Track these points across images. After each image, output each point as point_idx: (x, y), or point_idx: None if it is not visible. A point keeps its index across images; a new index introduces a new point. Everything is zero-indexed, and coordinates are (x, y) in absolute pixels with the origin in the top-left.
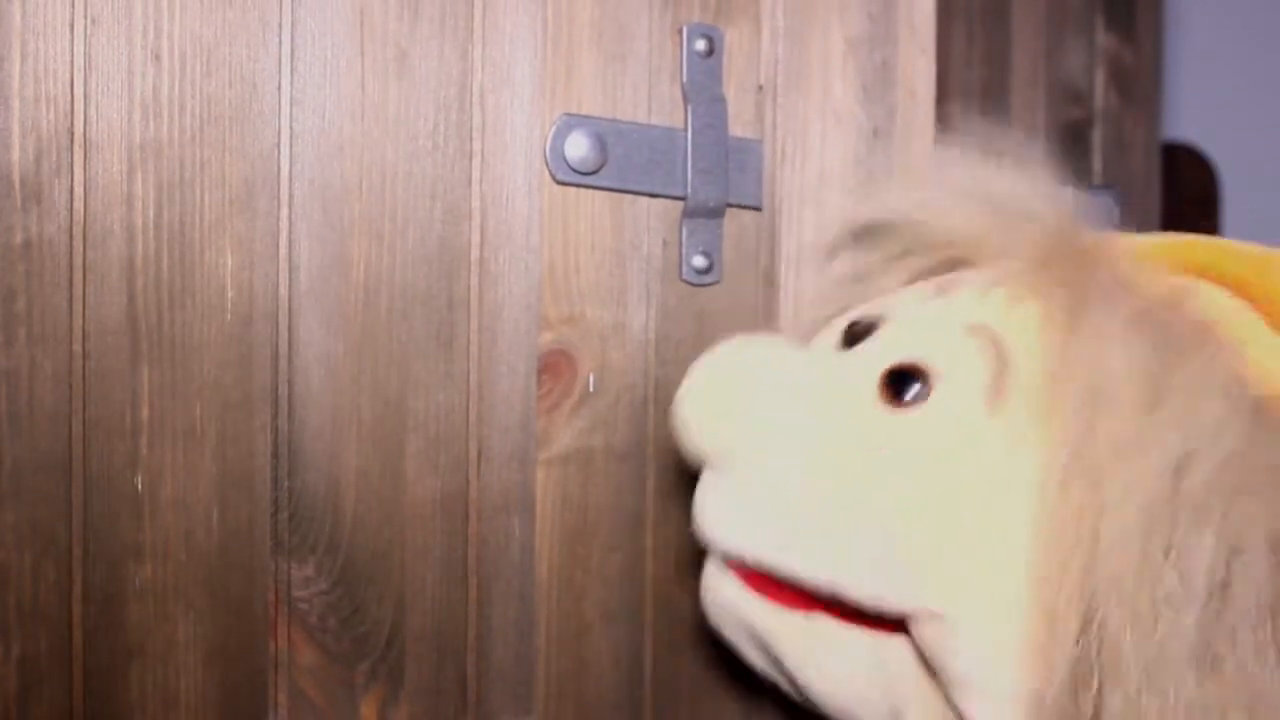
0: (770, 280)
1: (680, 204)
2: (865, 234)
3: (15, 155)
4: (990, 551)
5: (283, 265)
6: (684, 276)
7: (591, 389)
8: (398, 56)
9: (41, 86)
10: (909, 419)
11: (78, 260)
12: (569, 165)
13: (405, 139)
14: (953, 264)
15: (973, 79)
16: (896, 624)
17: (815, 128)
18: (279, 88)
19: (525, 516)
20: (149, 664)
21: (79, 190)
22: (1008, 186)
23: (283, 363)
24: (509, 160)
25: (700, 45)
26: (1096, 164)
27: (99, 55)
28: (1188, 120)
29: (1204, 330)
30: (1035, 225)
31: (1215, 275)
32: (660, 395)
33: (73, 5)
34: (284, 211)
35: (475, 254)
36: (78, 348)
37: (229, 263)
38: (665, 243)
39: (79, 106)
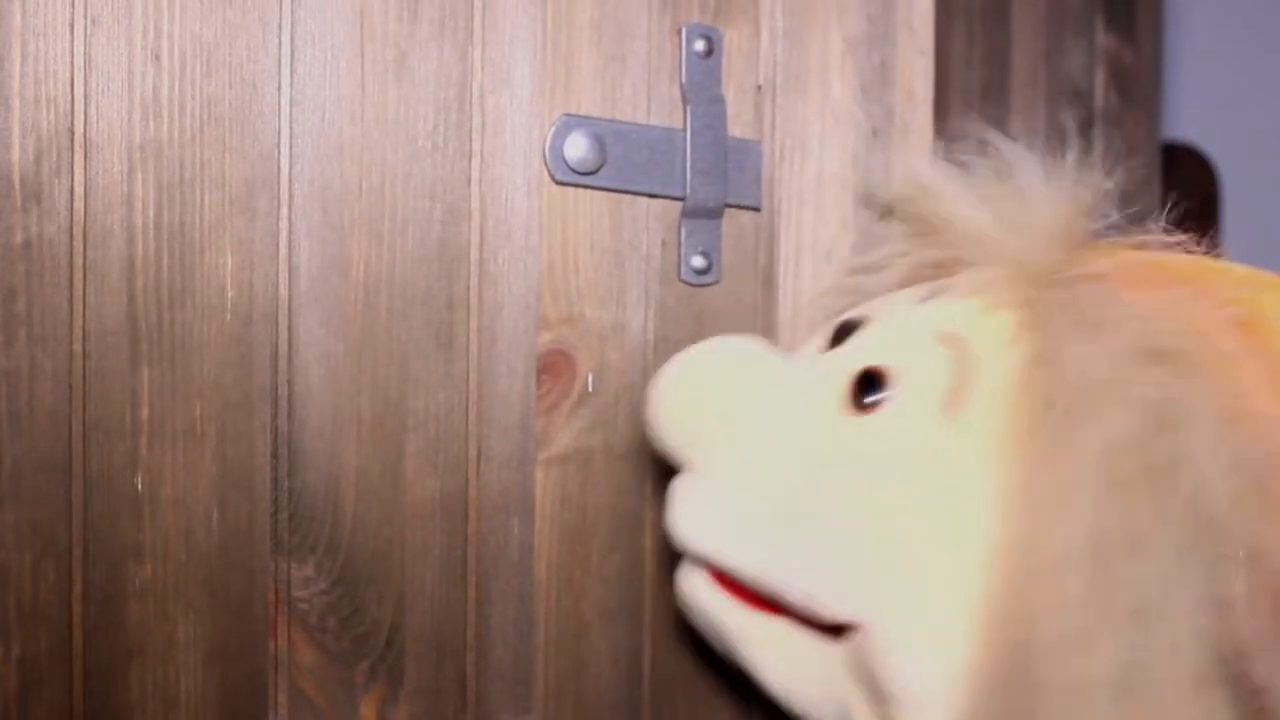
0: (769, 280)
1: (679, 204)
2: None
3: (15, 155)
4: (928, 566)
5: (282, 265)
6: (683, 277)
7: (590, 389)
8: (397, 57)
9: (41, 87)
10: (866, 424)
11: (78, 260)
12: (568, 165)
13: (405, 139)
14: (952, 266)
15: (973, 79)
16: (839, 630)
17: (814, 128)
18: (279, 88)
19: (524, 516)
20: (149, 664)
21: (79, 190)
22: (1013, 192)
23: (282, 363)
24: (508, 161)
25: (699, 46)
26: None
27: (99, 55)
28: (1188, 120)
29: (1170, 346)
30: (1024, 234)
31: (1199, 288)
32: None
33: (73, 5)
34: (284, 212)
35: (475, 254)
36: (78, 348)
37: (229, 263)
38: (664, 243)
39: (79, 106)
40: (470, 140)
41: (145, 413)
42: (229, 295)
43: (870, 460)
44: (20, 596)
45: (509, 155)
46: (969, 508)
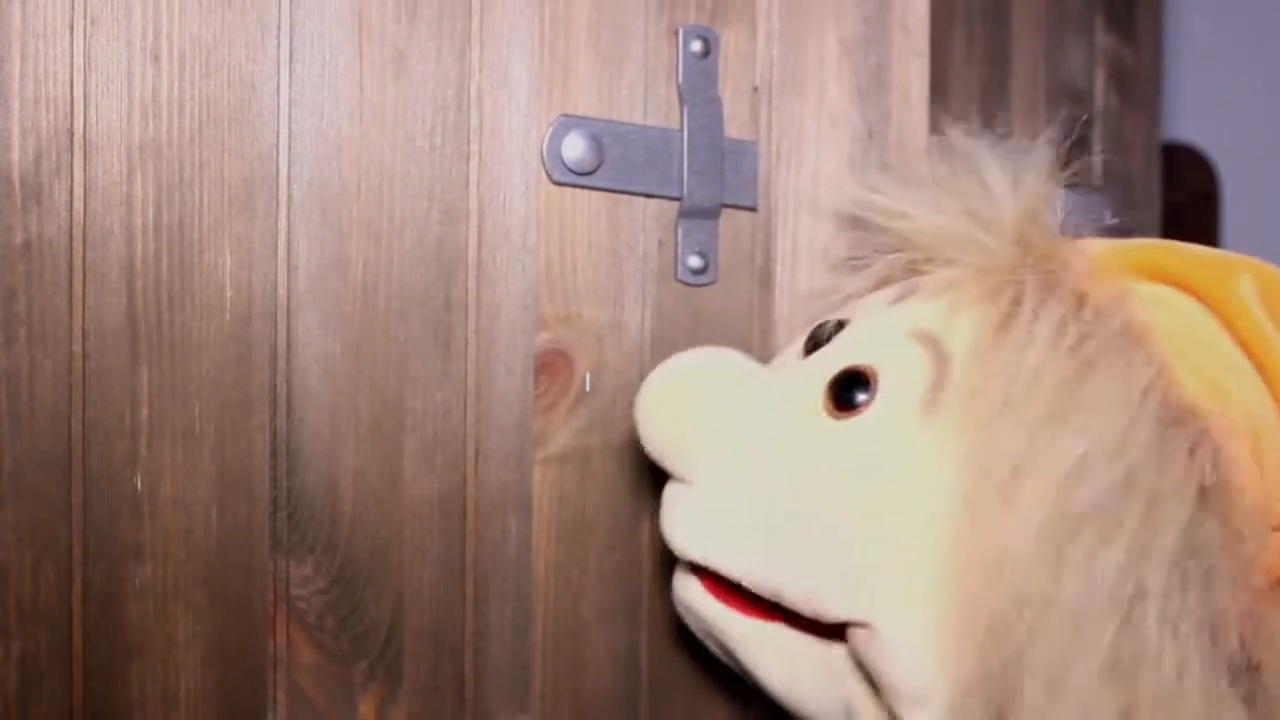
0: (765, 281)
1: (676, 204)
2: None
3: (15, 155)
4: (916, 563)
5: (281, 265)
6: (679, 277)
7: (588, 388)
8: (395, 58)
9: (41, 87)
10: (848, 427)
11: (78, 260)
12: (566, 166)
13: (403, 140)
14: (923, 265)
15: (973, 79)
16: (840, 630)
17: (810, 129)
18: (278, 89)
19: (522, 515)
20: (149, 663)
21: (79, 191)
22: (974, 188)
23: (281, 363)
24: (506, 161)
25: (696, 47)
26: (1096, 164)
27: (99, 56)
28: (1188, 120)
29: (1132, 338)
30: (988, 229)
31: (1172, 279)
32: None
33: (73, 6)
34: (283, 212)
35: (472, 254)
36: (78, 348)
37: (228, 263)
38: (661, 243)
39: (79, 107)
40: (468, 141)
41: (145, 412)
42: (228, 295)
43: (853, 462)
44: (20, 596)
45: (507, 156)
46: (948, 506)
